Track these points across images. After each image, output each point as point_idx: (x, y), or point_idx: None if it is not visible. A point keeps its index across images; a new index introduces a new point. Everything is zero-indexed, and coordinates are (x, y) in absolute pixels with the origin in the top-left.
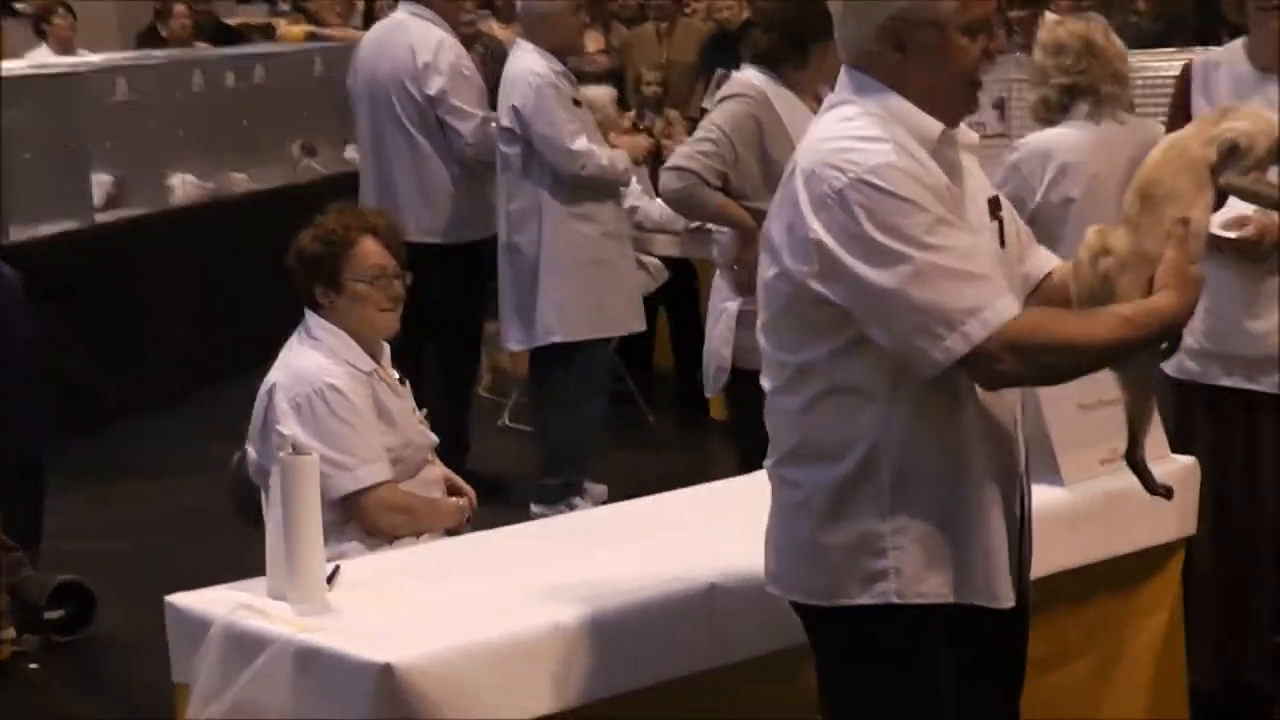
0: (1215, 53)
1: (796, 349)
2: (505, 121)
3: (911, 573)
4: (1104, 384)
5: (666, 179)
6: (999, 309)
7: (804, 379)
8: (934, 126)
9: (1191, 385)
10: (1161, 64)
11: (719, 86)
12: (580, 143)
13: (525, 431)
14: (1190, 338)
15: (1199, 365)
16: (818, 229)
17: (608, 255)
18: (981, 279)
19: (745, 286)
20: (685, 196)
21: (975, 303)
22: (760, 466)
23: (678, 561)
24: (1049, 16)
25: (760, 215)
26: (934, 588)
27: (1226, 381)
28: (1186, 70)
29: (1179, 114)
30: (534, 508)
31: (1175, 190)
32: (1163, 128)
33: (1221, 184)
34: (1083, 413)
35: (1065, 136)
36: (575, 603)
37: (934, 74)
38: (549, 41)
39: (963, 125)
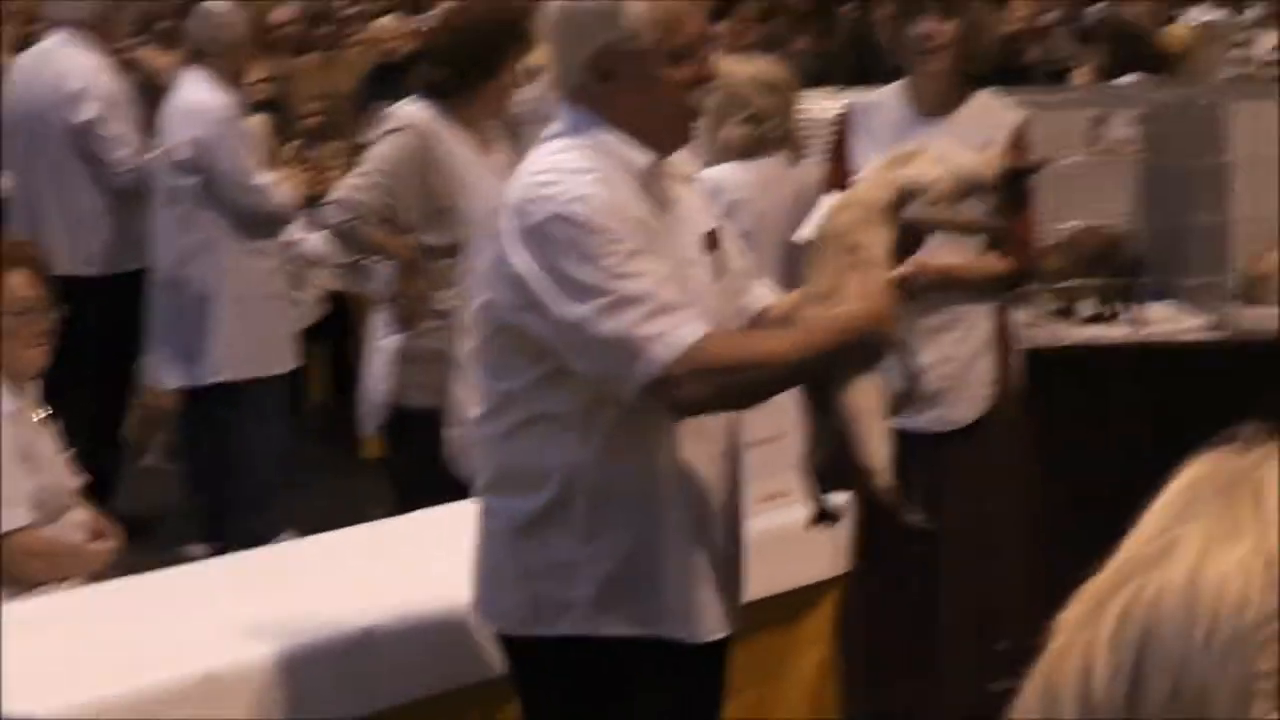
0: (874, 95)
1: (499, 377)
2: (182, 153)
3: (605, 604)
4: (764, 422)
5: (329, 212)
6: (683, 333)
7: (506, 407)
8: (642, 159)
9: None
10: (817, 104)
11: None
12: (261, 176)
13: (172, 472)
14: None
15: None
16: (520, 262)
17: (278, 289)
18: (670, 307)
19: (406, 321)
20: (349, 230)
21: (661, 329)
22: (418, 505)
23: (340, 601)
24: (727, 57)
25: (423, 249)
26: (629, 619)
27: None
28: (846, 112)
29: (837, 154)
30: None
31: (842, 228)
32: (818, 168)
33: (913, 218)
34: (743, 451)
35: (734, 172)
36: (230, 647)
37: (643, 103)
38: (223, 71)
39: (680, 155)
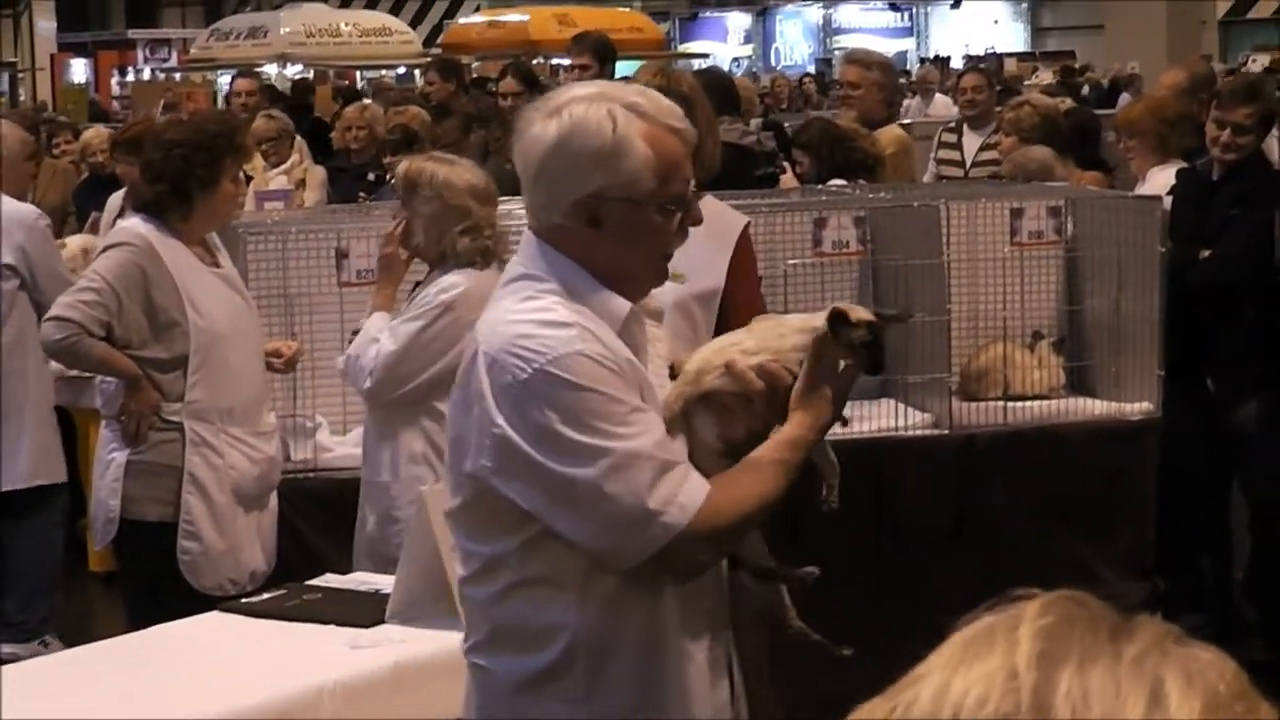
0: None
1: (485, 540)
2: (6, 259)
3: None
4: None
5: (47, 329)
6: (690, 496)
7: (495, 570)
8: (622, 306)
9: None
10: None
11: (93, 230)
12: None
13: None
14: None
15: None
16: (502, 423)
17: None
18: (670, 464)
19: (132, 437)
20: (68, 347)
21: (667, 493)
22: (152, 620)
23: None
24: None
25: (144, 363)
26: None
27: None
28: None
29: None
30: (6, 648)
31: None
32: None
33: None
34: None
35: (467, 279)
36: None
37: (627, 251)
38: (12, 185)
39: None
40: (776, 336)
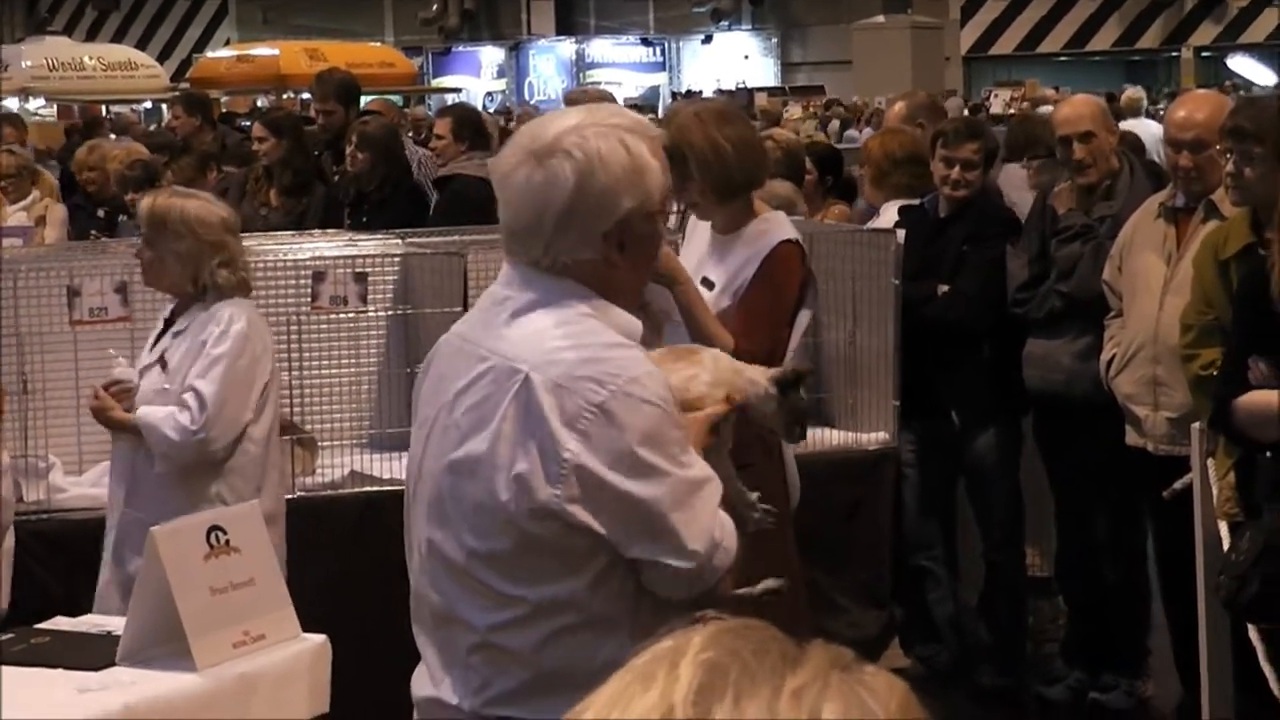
0: None
1: (538, 582)
2: None
3: None
4: (233, 568)
5: None
6: (727, 520)
7: (546, 614)
8: (636, 323)
9: None
10: (279, 246)
11: None
12: None
13: None
14: None
15: None
16: (575, 448)
17: None
18: (711, 481)
19: None
20: None
21: (723, 517)
22: None
23: None
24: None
25: None
26: None
27: None
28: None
29: None
30: None
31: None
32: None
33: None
34: (214, 597)
35: (242, 309)
36: None
37: (645, 263)
38: None
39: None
40: (733, 372)
